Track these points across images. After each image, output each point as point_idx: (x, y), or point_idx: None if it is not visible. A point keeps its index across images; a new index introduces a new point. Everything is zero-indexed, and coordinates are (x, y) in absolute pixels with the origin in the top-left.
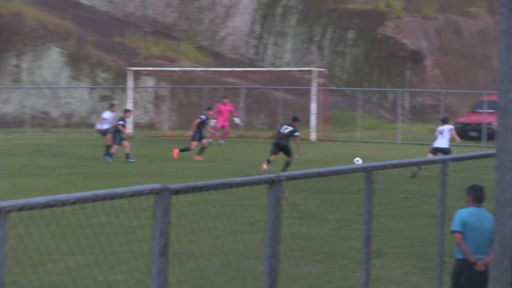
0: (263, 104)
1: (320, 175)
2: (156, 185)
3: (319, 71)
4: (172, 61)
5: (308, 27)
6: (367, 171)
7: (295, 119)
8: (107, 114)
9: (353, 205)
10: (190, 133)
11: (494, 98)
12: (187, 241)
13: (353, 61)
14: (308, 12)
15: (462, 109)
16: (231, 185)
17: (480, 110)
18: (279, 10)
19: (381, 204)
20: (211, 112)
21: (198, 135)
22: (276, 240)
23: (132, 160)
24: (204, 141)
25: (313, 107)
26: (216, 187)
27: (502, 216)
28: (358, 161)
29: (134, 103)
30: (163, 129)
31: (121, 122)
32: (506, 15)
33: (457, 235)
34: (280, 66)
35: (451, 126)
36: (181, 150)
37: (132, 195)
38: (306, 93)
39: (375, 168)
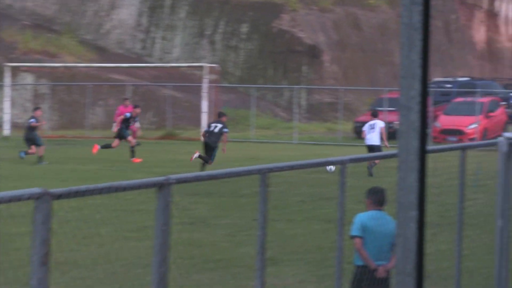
0: (150, 102)
1: (211, 177)
2: (36, 190)
3: (210, 67)
4: (53, 56)
5: (198, 20)
6: (262, 173)
7: (221, 114)
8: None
9: (247, 210)
10: (115, 129)
11: (395, 95)
12: (69, 249)
13: (246, 56)
14: (199, 4)
15: (361, 107)
16: (116, 189)
17: (381, 108)
18: (168, 1)
19: (277, 208)
20: (138, 110)
21: (125, 132)
22: (166, 248)
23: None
24: (130, 138)
25: (204, 105)
26: (100, 191)
27: (404, 220)
28: (331, 169)
29: (11, 102)
30: (44, 129)
31: (32, 120)
32: (408, 7)
33: (357, 240)
34: (169, 62)
35: (383, 124)
36: (103, 147)
37: (10, 200)
38: (197, 91)
39: (271, 170)
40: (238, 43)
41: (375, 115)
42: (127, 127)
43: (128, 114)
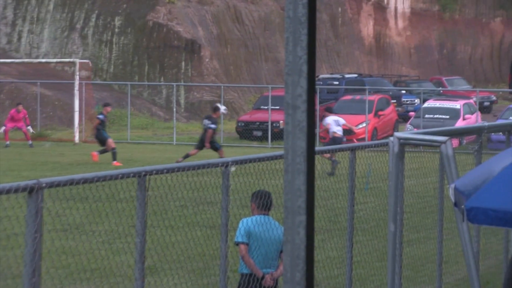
0: (18, 100)
1: (86, 181)
2: None
3: (82, 62)
4: None
5: (68, 13)
6: (140, 177)
7: (215, 109)
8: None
9: (125, 215)
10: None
11: (280, 93)
12: None
13: (120, 52)
14: None
15: (245, 106)
16: None
17: (265, 107)
18: None
19: (156, 213)
20: (108, 108)
21: (104, 135)
22: (37, 256)
23: None
24: (110, 141)
25: (76, 104)
26: None
27: (292, 225)
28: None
29: None
30: None
31: (101, 116)
32: (292, 0)
33: (242, 246)
34: (37, 57)
35: (344, 121)
36: (101, 152)
37: None
38: (68, 88)
39: (149, 172)
40: (112, 37)
41: (329, 110)
42: (104, 129)
43: (101, 117)
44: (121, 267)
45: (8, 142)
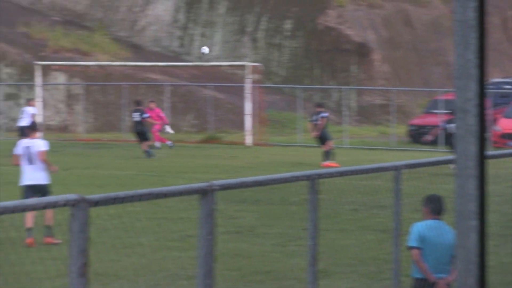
0: (190, 103)
1: (257, 184)
2: (72, 196)
3: (253, 66)
4: (85, 55)
5: (239, 16)
6: (311, 180)
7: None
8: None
9: (297, 218)
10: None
11: (450, 96)
12: (109, 259)
13: (291, 55)
14: None
15: (415, 109)
16: (157, 196)
17: (436, 111)
18: None
19: (328, 217)
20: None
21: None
22: (211, 258)
23: None
24: (330, 142)
25: (248, 107)
26: (140, 197)
27: (464, 230)
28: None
29: (43, 102)
30: (78, 132)
31: (146, 115)
32: (461, 3)
33: (415, 251)
34: (208, 60)
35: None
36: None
37: (45, 207)
38: (239, 91)
39: (320, 176)
40: (282, 40)
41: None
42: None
43: (326, 115)
44: (294, 270)
45: (169, 142)
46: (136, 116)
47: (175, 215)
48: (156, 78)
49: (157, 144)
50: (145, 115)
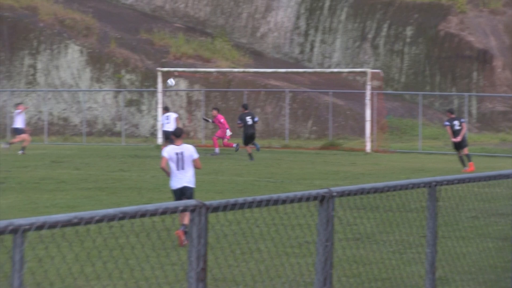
0: (310, 109)
1: (376, 190)
2: (191, 201)
3: (373, 72)
4: (206, 61)
5: (360, 23)
6: (431, 187)
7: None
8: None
9: (415, 225)
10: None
11: None
12: (227, 265)
13: (412, 62)
14: (360, 6)
15: None
16: (276, 202)
17: None
18: (327, 3)
19: (447, 224)
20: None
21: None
22: (329, 265)
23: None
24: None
25: (368, 114)
26: (259, 203)
27: None
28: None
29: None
30: (198, 137)
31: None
32: None
33: None
34: (329, 67)
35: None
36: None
37: (164, 212)
38: (359, 98)
39: (439, 183)
40: (403, 47)
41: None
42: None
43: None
44: (412, 278)
45: (235, 145)
46: (249, 120)
47: (293, 221)
48: (276, 85)
49: (217, 150)
50: (256, 119)
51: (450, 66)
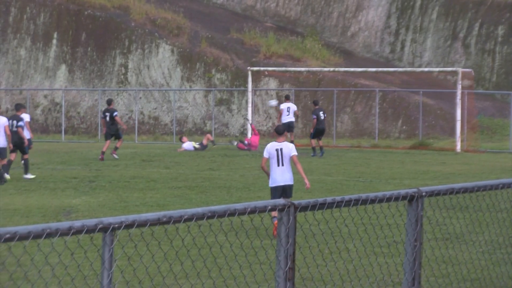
0: (400, 109)
1: (466, 190)
2: (279, 201)
3: (464, 71)
4: (296, 60)
5: (451, 22)
6: None
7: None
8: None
9: (505, 226)
10: None
11: None
12: (315, 264)
13: (503, 61)
14: (452, 5)
15: None
16: (365, 201)
17: None
18: (418, 2)
19: None
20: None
21: None
22: (417, 265)
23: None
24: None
25: (458, 113)
26: (348, 203)
27: None
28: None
29: (253, 107)
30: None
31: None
32: None
33: None
34: (419, 66)
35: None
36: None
37: (253, 211)
38: (450, 97)
39: None
40: (494, 46)
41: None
42: None
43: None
44: (501, 278)
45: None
46: (322, 115)
47: (382, 221)
48: (366, 84)
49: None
50: (325, 115)
51: None
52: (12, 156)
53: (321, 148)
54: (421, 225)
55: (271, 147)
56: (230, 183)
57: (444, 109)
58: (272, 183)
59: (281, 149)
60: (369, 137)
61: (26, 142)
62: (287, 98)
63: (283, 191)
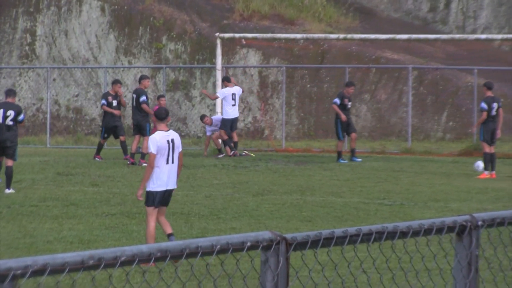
0: (445, 96)
1: None
2: (264, 234)
3: None
4: (288, 23)
5: None
6: None
7: None
8: None
9: None
10: None
11: None
12: None
13: None
14: None
15: None
16: (392, 235)
17: None
18: None
19: None
20: None
21: None
22: None
23: None
24: None
25: None
26: (367, 238)
27: None
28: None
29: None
30: (277, 138)
31: None
32: None
33: None
34: (473, 32)
35: None
36: None
37: (224, 250)
38: None
39: None
40: None
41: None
42: None
43: None
44: None
45: None
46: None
47: (417, 264)
48: (394, 59)
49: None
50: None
51: None
52: None
53: (352, 151)
54: (477, 271)
55: (161, 137)
56: (190, 208)
57: (509, 96)
58: (158, 186)
59: (172, 140)
60: (399, 138)
61: None
62: (227, 81)
63: (164, 198)
